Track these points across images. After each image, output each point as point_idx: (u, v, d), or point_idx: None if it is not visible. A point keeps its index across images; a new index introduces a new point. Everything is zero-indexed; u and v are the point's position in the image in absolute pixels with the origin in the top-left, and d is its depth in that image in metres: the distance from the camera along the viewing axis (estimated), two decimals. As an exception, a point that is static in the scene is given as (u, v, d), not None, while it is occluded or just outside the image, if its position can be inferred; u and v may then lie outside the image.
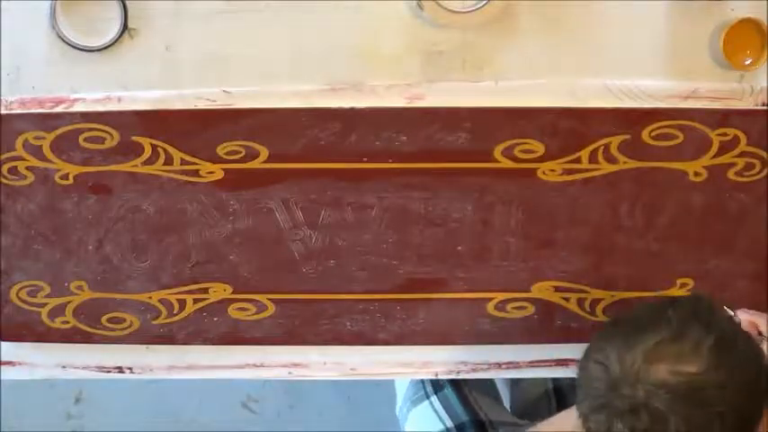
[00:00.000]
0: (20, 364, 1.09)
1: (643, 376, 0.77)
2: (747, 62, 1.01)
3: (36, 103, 1.01)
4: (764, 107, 1.02)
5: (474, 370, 1.09)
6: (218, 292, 1.06)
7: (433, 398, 1.15)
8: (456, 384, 1.14)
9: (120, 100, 1.02)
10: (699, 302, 0.83)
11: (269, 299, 1.06)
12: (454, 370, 1.09)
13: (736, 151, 1.02)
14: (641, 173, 1.02)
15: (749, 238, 1.05)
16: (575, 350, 1.08)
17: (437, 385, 1.16)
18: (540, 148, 1.01)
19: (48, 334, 1.07)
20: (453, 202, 1.03)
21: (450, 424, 1.11)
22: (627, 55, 1.02)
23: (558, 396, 1.20)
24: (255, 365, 1.09)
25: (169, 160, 1.01)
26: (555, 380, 1.21)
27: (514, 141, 1.01)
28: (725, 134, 1.01)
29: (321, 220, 1.04)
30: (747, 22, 1.00)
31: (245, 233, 1.04)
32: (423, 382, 1.17)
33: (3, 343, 1.08)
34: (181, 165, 1.02)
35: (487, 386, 1.21)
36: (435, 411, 1.14)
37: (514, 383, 1.27)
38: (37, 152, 1.01)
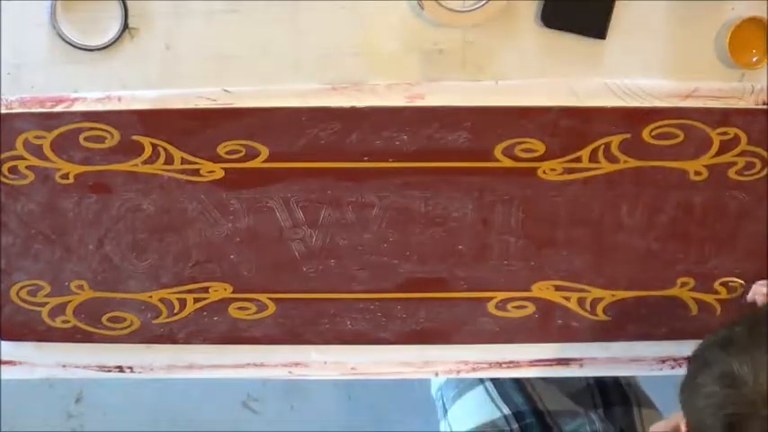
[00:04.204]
0: (20, 363, 1.09)
1: None
2: (754, 60, 1.01)
3: (36, 103, 1.01)
4: (765, 106, 1.02)
5: (474, 369, 1.09)
6: (219, 291, 1.06)
7: (488, 383, 1.14)
8: None
9: (120, 99, 1.02)
10: None
11: (269, 298, 1.06)
12: (455, 369, 1.09)
13: (737, 150, 1.02)
14: (642, 172, 1.02)
15: (750, 237, 1.05)
16: (575, 349, 1.09)
17: None
18: (540, 148, 1.01)
19: (48, 333, 1.07)
20: (454, 202, 1.03)
21: (507, 411, 1.10)
22: (627, 54, 1.02)
23: (602, 389, 1.18)
24: (256, 365, 1.09)
25: (169, 159, 1.01)
26: None
27: (515, 140, 1.01)
28: (725, 133, 1.01)
29: (321, 220, 1.04)
30: (751, 21, 1.00)
31: (246, 232, 1.04)
32: None
33: (3, 342, 1.08)
34: (181, 164, 1.02)
35: None
36: (490, 397, 1.12)
37: None
38: (37, 151, 1.01)
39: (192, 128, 1.01)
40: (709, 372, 0.75)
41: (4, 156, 1.01)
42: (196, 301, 1.06)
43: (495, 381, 1.14)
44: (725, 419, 0.73)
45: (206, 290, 1.06)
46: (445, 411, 1.21)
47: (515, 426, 1.09)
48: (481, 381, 1.15)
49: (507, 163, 1.02)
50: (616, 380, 1.17)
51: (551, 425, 1.10)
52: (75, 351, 1.08)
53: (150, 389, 1.85)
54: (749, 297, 1.03)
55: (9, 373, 1.10)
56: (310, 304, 1.07)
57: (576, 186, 1.03)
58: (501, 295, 1.06)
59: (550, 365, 1.09)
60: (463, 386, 1.17)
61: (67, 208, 1.03)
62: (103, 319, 1.07)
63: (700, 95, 1.02)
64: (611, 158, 1.02)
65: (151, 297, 1.06)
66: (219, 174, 1.02)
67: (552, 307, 1.07)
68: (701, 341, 0.81)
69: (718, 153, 1.02)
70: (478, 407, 1.14)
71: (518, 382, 1.13)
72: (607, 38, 1.01)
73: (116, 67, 1.02)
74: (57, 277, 1.05)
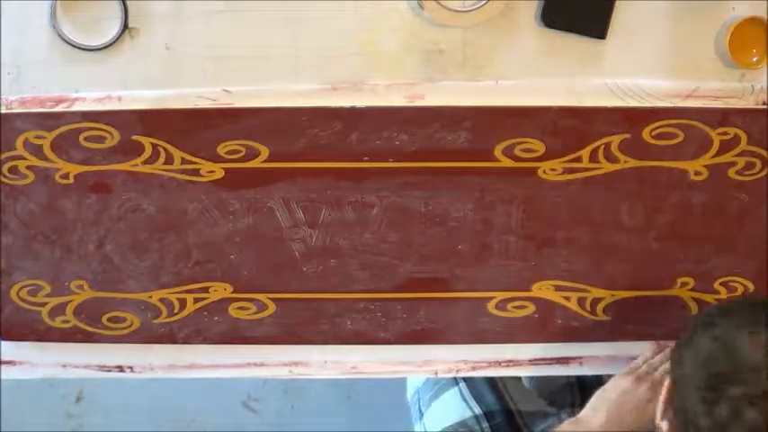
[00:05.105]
0: (20, 363, 1.09)
1: None
2: (754, 60, 1.01)
3: (36, 103, 1.01)
4: (765, 106, 1.02)
5: (474, 368, 1.09)
6: (219, 291, 1.06)
7: (462, 384, 1.15)
8: None
9: (120, 99, 1.02)
10: None
11: (269, 298, 1.06)
12: (454, 368, 1.09)
13: (737, 150, 1.02)
14: (642, 172, 1.02)
15: (750, 237, 1.05)
16: (575, 349, 1.09)
17: None
18: (540, 148, 1.01)
19: (48, 333, 1.07)
20: (454, 202, 1.03)
21: (478, 411, 1.11)
22: (627, 54, 1.02)
23: (582, 387, 1.19)
24: (256, 364, 1.09)
25: (169, 159, 1.01)
26: None
27: (515, 140, 1.01)
28: (725, 133, 1.01)
29: (321, 220, 1.04)
30: (751, 21, 1.00)
31: (246, 232, 1.04)
32: None
33: (3, 342, 1.08)
34: (181, 164, 1.02)
35: None
36: (463, 398, 1.13)
37: None
38: (37, 151, 1.01)
39: (192, 128, 1.01)
40: (709, 332, 0.81)
41: (4, 156, 1.01)
42: (196, 301, 1.06)
43: (468, 381, 1.15)
44: (709, 376, 0.79)
45: (206, 290, 1.06)
46: (421, 414, 1.21)
47: (485, 425, 1.10)
48: (456, 382, 1.16)
49: (507, 163, 1.02)
50: (598, 377, 1.18)
51: (521, 425, 1.10)
52: (75, 351, 1.08)
53: (151, 389, 1.85)
54: None
55: (9, 373, 1.09)
56: (310, 304, 1.07)
57: (575, 186, 1.03)
58: (501, 295, 1.06)
59: (550, 365, 1.09)
60: (438, 387, 1.18)
61: (67, 208, 1.03)
62: (103, 319, 1.07)
63: (700, 95, 1.02)
64: (612, 158, 1.02)
65: (151, 297, 1.06)
66: (219, 174, 1.02)
67: (552, 307, 1.07)
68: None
69: (719, 153, 1.02)
70: (452, 407, 1.15)
71: (491, 381, 1.14)
72: (607, 38, 1.01)
73: (116, 67, 1.02)
74: (57, 277, 1.05)
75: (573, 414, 1.05)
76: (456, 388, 1.15)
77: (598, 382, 1.17)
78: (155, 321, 1.07)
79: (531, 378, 1.25)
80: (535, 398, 1.19)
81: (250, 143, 1.01)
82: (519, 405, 1.11)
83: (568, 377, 1.21)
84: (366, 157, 1.02)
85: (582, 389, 1.19)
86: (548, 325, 1.07)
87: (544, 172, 1.02)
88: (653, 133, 1.01)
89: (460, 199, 1.03)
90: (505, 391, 1.13)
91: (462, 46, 1.02)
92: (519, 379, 1.19)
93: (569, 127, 1.01)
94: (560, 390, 1.20)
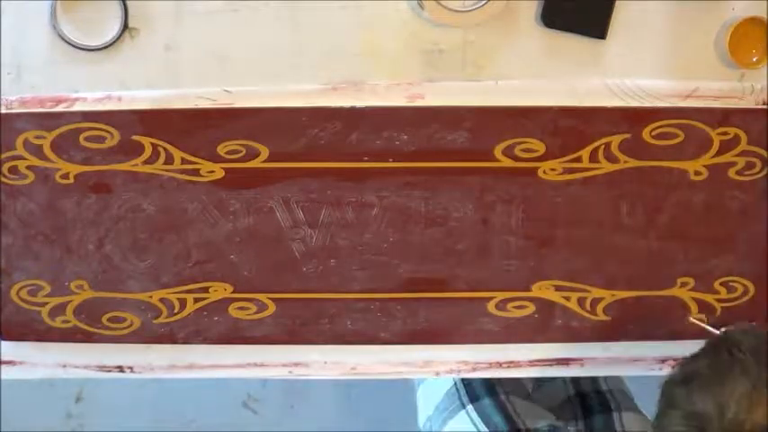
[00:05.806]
0: (20, 363, 1.09)
1: (748, 426, 0.72)
2: (754, 60, 1.01)
3: (36, 103, 1.01)
4: (765, 106, 1.02)
5: (474, 369, 1.09)
6: (219, 291, 1.06)
7: (470, 407, 1.15)
8: (492, 392, 1.14)
9: (120, 99, 1.02)
10: (757, 339, 0.79)
11: (269, 298, 1.06)
12: (455, 369, 1.09)
13: (737, 150, 1.02)
14: (642, 172, 1.02)
15: (750, 237, 1.05)
16: (575, 349, 1.09)
17: (473, 395, 1.15)
18: (540, 148, 1.01)
19: (48, 333, 1.07)
20: (454, 202, 1.03)
21: None
22: (627, 54, 1.02)
23: (581, 400, 1.19)
24: (256, 365, 1.09)
25: (169, 159, 1.01)
26: (576, 385, 1.21)
27: (515, 140, 1.01)
28: (725, 133, 1.01)
29: (321, 220, 1.04)
30: (751, 21, 1.00)
31: (246, 232, 1.04)
32: (458, 392, 1.16)
33: (3, 342, 1.08)
34: (181, 164, 1.02)
35: (521, 387, 1.20)
36: (472, 421, 1.13)
37: (536, 388, 1.26)
38: (37, 151, 1.01)
39: (192, 128, 1.01)
40: (674, 412, 0.78)
41: (4, 156, 1.01)
42: (196, 301, 1.06)
43: (476, 404, 1.15)
44: None
45: (206, 290, 1.06)
46: None
47: None
48: (463, 405, 1.15)
49: (507, 163, 1.02)
50: (597, 388, 1.18)
51: None
52: (75, 351, 1.08)
53: (150, 389, 1.85)
54: None
55: (9, 373, 1.09)
56: (310, 304, 1.06)
57: (575, 186, 1.03)
58: (501, 295, 1.06)
59: (550, 365, 1.09)
60: (447, 414, 1.18)
61: (67, 208, 1.03)
62: (103, 319, 1.07)
63: (700, 95, 1.02)
64: (612, 158, 1.02)
65: (151, 297, 1.06)
66: (219, 174, 1.02)
67: (552, 307, 1.07)
68: (669, 374, 0.83)
69: (719, 153, 1.02)
70: None
71: (498, 403, 1.13)
72: (607, 38, 1.01)
73: (116, 67, 1.02)
74: (57, 277, 1.05)
75: (579, 429, 1.04)
76: (463, 411, 1.15)
77: (596, 392, 1.17)
78: (155, 321, 1.07)
79: (531, 390, 1.25)
80: (543, 411, 1.18)
81: (250, 143, 1.01)
82: (527, 422, 1.11)
83: (567, 391, 1.21)
84: (366, 157, 1.02)
85: (582, 402, 1.19)
86: (548, 325, 1.07)
87: (544, 172, 1.02)
88: (653, 133, 1.01)
89: (460, 199, 1.03)
90: (514, 411, 1.13)
91: (462, 46, 1.02)
92: (527, 396, 1.18)
93: (569, 127, 1.01)
94: (561, 405, 1.20)
